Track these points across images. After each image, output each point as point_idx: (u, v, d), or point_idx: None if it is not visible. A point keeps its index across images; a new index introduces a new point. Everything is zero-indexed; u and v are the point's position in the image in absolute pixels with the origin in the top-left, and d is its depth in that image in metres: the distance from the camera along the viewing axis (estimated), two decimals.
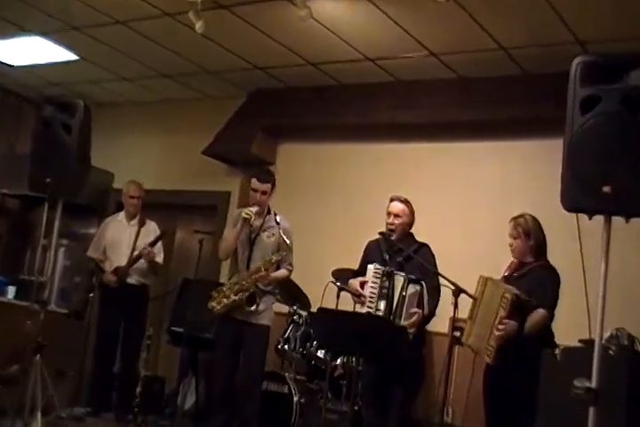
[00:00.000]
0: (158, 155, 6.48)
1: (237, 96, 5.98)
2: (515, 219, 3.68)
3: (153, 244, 4.99)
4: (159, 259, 5.13)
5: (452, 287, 3.37)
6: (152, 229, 5.20)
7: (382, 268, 3.80)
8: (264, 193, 4.17)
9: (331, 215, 5.61)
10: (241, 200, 5.81)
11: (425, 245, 3.93)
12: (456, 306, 3.28)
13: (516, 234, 3.63)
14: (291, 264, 4.30)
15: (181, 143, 6.37)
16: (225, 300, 4.14)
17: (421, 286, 3.68)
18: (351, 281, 3.91)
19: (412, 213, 3.96)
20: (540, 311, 3.41)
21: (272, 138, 5.99)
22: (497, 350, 3.27)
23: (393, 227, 3.88)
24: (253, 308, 4.06)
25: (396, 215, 3.89)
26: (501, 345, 3.28)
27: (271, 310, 4.35)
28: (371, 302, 3.73)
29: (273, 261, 4.12)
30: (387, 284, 3.70)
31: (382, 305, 3.70)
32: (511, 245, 3.65)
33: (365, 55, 4.92)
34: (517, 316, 3.33)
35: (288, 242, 4.06)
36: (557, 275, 3.53)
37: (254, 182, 4.18)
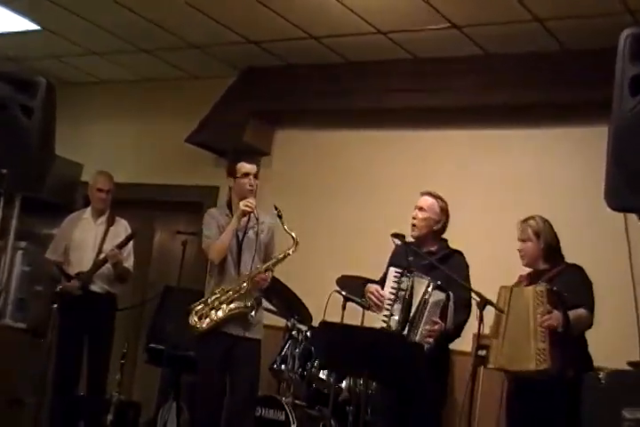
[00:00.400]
0: (134, 143, 6.51)
1: (227, 75, 6.01)
2: (524, 221, 3.80)
3: (122, 245, 4.96)
4: (128, 264, 5.08)
5: (477, 299, 3.39)
6: (123, 228, 5.18)
7: (401, 270, 3.80)
8: (256, 176, 4.20)
9: (335, 215, 5.62)
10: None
11: (457, 253, 3.90)
12: (481, 320, 3.29)
13: (526, 236, 3.75)
14: None
15: (161, 130, 6.41)
16: (214, 313, 4.09)
17: (448, 295, 3.65)
18: (369, 285, 3.90)
19: (442, 211, 3.94)
20: (581, 310, 3.49)
21: (267, 124, 6.03)
22: (551, 352, 3.34)
23: (414, 222, 3.89)
24: (253, 313, 4.07)
25: (421, 209, 3.91)
26: (555, 343, 3.34)
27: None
28: (387, 308, 3.73)
29: (281, 257, 4.09)
30: (404, 284, 3.69)
31: (398, 310, 3.68)
32: (520, 251, 3.75)
33: (376, 27, 4.88)
34: (559, 309, 3.41)
35: (294, 235, 4.04)
36: (587, 275, 3.63)
37: (244, 166, 4.17)
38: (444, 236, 3.95)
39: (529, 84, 4.77)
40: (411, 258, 3.82)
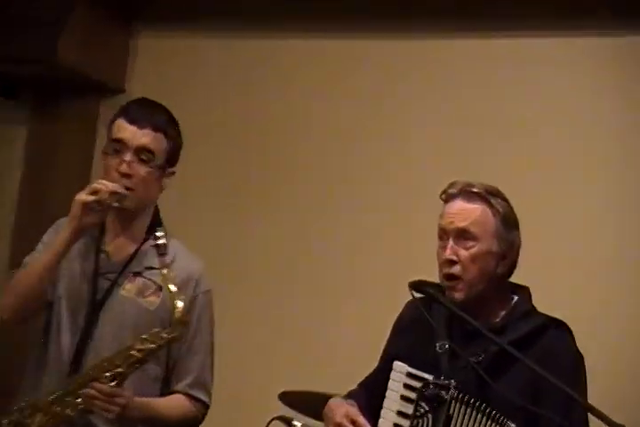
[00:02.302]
0: None
1: None
2: None
3: None
4: None
5: None
6: None
7: (424, 377, 3.46)
8: (150, 152, 3.82)
9: (278, 229, 5.48)
10: (29, 185, 5.76)
11: (554, 325, 3.58)
12: None
13: None
14: (204, 386, 3.92)
15: None
16: None
17: None
18: (331, 403, 3.66)
19: (506, 225, 3.61)
20: None
21: (111, 19, 5.82)
22: None
23: (453, 271, 3.54)
24: None
25: (460, 235, 3.59)
26: None
27: None
28: None
29: (152, 347, 3.74)
30: (424, 423, 3.43)
31: None
32: None
33: None
34: None
35: (180, 304, 3.69)
36: None
37: (118, 125, 3.88)
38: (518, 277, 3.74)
39: None
40: (444, 346, 3.56)
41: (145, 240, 3.95)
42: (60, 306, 3.89)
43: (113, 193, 3.75)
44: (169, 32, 5.91)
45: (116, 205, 3.75)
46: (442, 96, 5.55)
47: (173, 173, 4.00)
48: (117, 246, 3.93)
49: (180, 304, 3.73)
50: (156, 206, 4.05)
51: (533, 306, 3.61)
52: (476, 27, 5.50)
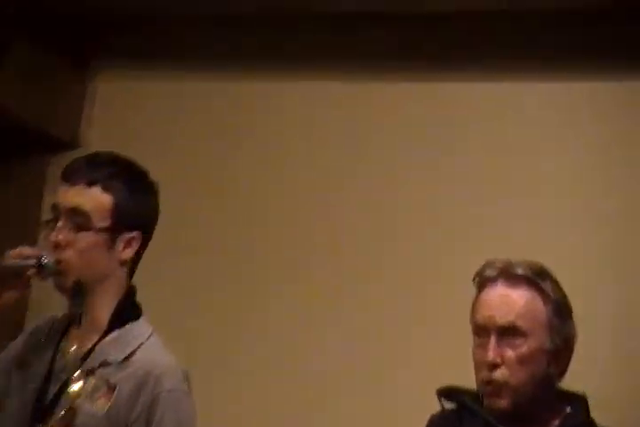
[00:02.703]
0: None
1: None
2: None
3: None
4: None
5: None
6: None
7: None
8: (83, 213, 3.51)
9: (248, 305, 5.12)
10: None
11: None
12: None
13: None
14: None
15: None
16: None
17: None
18: None
19: (559, 314, 3.43)
20: None
21: (60, 58, 5.63)
22: None
23: (492, 375, 3.33)
24: None
25: (504, 332, 3.40)
26: None
27: None
28: None
29: None
30: None
31: None
32: None
33: None
34: None
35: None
36: None
37: (58, 187, 3.79)
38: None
39: None
40: None
41: (110, 330, 3.47)
42: (6, 410, 3.42)
43: (29, 258, 3.30)
44: (134, 74, 5.65)
45: (32, 272, 3.29)
46: (439, 146, 5.23)
47: (136, 237, 3.41)
48: (77, 340, 3.48)
49: (75, 388, 3.39)
50: (131, 285, 3.50)
51: (592, 419, 3.28)
52: (476, 70, 5.27)
